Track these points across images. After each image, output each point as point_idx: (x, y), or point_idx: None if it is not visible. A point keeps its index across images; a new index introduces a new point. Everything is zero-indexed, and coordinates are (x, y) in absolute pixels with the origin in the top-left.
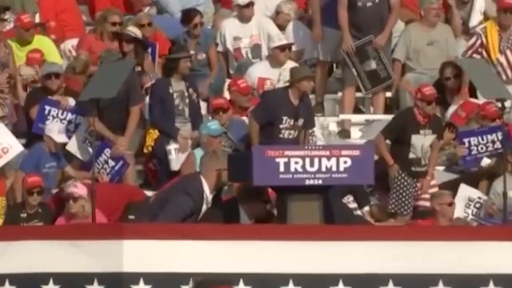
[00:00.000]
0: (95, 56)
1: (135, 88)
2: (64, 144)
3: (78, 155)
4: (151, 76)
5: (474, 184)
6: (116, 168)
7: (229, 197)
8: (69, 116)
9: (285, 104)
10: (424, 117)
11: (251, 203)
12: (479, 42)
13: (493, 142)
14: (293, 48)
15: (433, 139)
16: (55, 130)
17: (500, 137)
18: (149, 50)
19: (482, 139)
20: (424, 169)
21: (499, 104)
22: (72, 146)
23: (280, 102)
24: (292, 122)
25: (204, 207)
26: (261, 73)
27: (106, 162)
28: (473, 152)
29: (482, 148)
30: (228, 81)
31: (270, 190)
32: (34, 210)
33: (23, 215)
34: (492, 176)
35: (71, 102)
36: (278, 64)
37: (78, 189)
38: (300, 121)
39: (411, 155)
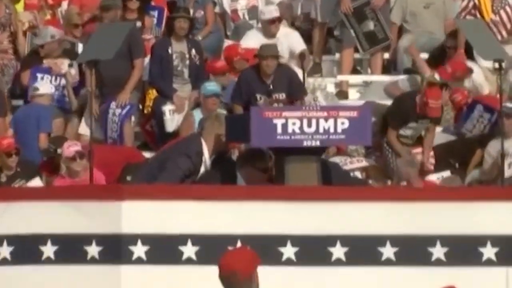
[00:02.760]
0: (86, 9)
1: (138, 42)
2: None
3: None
4: (152, 32)
5: (470, 148)
6: (124, 112)
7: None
8: (62, 81)
9: (256, 81)
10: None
11: (250, 170)
12: (471, 3)
13: (481, 116)
14: (299, 11)
15: (429, 123)
16: (43, 85)
17: (482, 111)
18: (155, 13)
19: (474, 120)
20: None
21: (497, 65)
22: (84, 129)
23: (251, 80)
24: (268, 98)
25: (202, 169)
26: (256, 43)
27: (114, 114)
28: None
29: (477, 127)
30: (226, 42)
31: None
32: (13, 171)
33: (3, 179)
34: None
35: (65, 65)
36: (270, 36)
37: (80, 146)
38: (279, 95)
39: (401, 132)
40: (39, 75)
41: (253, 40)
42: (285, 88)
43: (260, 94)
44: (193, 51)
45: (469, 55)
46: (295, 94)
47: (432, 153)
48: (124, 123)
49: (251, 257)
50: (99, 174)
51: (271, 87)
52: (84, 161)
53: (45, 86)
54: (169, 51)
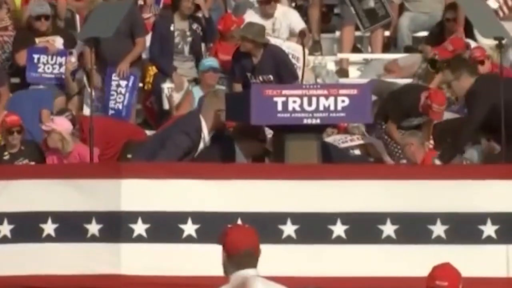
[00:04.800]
0: None
1: (139, 20)
2: None
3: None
4: (151, 9)
5: None
6: (130, 84)
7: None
8: (59, 59)
9: (245, 59)
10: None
11: (247, 142)
12: None
13: None
14: None
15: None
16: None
17: None
18: None
19: None
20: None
21: (497, 42)
22: (87, 110)
23: (241, 58)
24: (255, 78)
25: (201, 146)
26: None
27: (119, 85)
28: None
29: None
30: None
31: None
32: (16, 149)
33: (6, 156)
34: None
35: (59, 43)
36: (267, 16)
37: (53, 123)
38: (265, 77)
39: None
40: (35, 56)
41: (251, 19)
42: (272, 70)
43: (250, 73)
44: (195, 25)
45: (468, 32)
46: (284, 78)
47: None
48: (133, 96)
49: (256, 233)
50: (86, 151)
51: (257, 67)
52: (63, 138)
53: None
54: (171, 28)
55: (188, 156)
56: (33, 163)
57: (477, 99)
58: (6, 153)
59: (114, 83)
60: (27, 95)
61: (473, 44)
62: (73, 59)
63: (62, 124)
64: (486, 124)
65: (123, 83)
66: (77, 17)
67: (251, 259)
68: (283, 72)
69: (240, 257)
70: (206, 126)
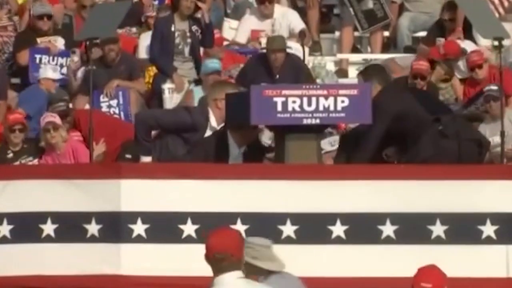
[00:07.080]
0: None
1: (136, 65)
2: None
3: None
4: (154, 8)
5: None
6: (121, 101)
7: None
8: (60, 60)
9: (263, 69)
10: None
11: (240, 130)
12: None
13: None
14: None
15: None
16: (49, 70)
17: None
18: None
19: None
20: None
21: (496, 43)
22: None
23: (258, 66)
24: None
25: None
26: (253, 25)
27: (110, 105)
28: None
29: (480, 110)
30: (226, 20)
31: None
32: (19, 147)
33: (9, 155)
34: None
35: (60, 44)
36: (265, 16)
37: (55, 118)
38: None
39: None
40: (37, 56)
41: (251, 22)
42: (292, 79)
43: (266, 83)
44: (195, 26)
45: (467, 32)
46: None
47: None
48: (128, 111)
49: (240, 237)
50: (83, 149)
51: (277, 77)
52: (60, 132)
53: (55, 74)
54: (172, 29)
55: (186, 134)
56: (36, 160)
57: (378, 109)
58: (9, 151)
59: (104, 105)
60: (34, 92)
61: (470, 47)
62: (76, 58)
63: (43, 119)
64: (390, 133)
65: (113, 102)
66: (74, 21)
67: (230, 265)
68: (303, 80)
69: (216, 261)
70: (213, 116)
